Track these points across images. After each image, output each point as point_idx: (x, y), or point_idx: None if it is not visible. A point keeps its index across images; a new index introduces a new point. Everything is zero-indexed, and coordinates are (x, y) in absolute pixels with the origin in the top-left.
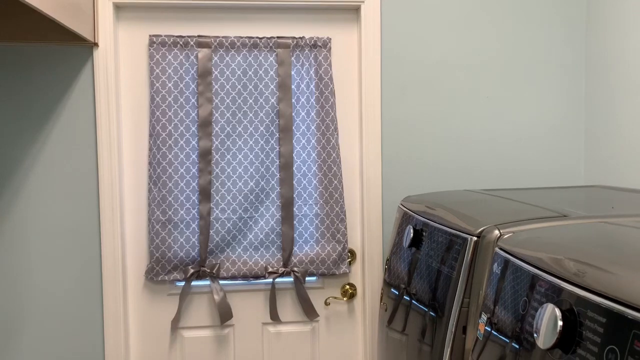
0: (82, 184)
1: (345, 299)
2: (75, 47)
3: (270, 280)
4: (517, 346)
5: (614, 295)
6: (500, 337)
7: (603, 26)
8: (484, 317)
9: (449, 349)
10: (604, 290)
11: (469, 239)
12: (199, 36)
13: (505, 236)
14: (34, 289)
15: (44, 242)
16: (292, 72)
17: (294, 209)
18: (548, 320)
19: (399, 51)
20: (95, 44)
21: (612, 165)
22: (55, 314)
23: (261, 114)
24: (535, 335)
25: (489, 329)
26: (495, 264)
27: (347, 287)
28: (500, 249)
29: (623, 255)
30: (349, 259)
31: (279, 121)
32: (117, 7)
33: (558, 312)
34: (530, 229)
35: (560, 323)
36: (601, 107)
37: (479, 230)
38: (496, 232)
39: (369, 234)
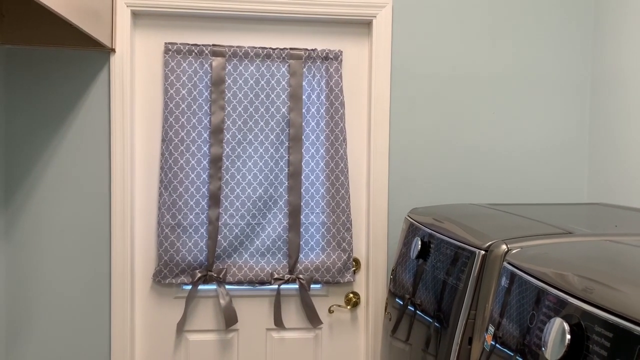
0: (94, 186)
1: (349, 307)
2: (93, 52)
3: (276, 286)
4: (523, 358)
5: (620, 312)
6: (507, 348)
7: (609, 46)
8: (491, 328)
9: None
10: (611, 306)
11: (477, 252)
12: (213, 45)
13: (513, 251)
14: (44, 287)
15: (55, 242)
16: (304, 83)
17: (301, 216)
18: (556, 334)
19: (409, 65)
20: (112, 50)
21: (615, 184)
22: (64, 313)
23: (272, 123)
24: (542, 348)
25: (495, 341)
26: (503, 277)
27: (351, 295)
28: (509, 263)
29: (628, 273)
30: (354, 268)
31: (289, 130)
32: (135, 15)
33: (566, 326)
34: (537, 244)
35: (568, 337)
36: (606, 125)
37: (487, 244)
38: (504, 246)
39: (374, 243)
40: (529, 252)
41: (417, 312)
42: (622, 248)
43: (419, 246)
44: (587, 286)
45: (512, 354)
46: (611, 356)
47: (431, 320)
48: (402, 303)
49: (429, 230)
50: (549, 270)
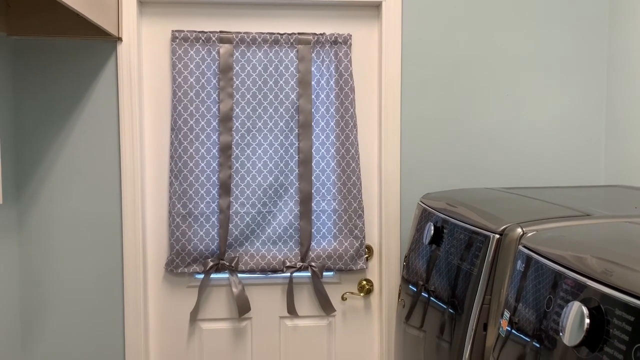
0: (104, 177)
1: (362, 294)
2: (100, 42)
3: (288, 274)
4: (539, 343)
5: None
6: (523, 334)
7: (625, 24)
8: (507, 314)
9: (469, 346)
10: (632, 289)
11: (492, 236)
12: (220, 32)
13: (529, 234)
14: (57, 279)
15: (66, 234)
16: (313, 69)
17: (312, 204)
18: (574, 318)
19: (420, 48)
20: (119, 39)
21: (632, 165)
22: (77, 304)
23: (281, 110)
24: (560, 333)
25: (511, 326)
26: (519, 261)
27: (364, 282)
28: (524, 246)
29: None
30: (366, 255)
31: (298, 117)
32: (141, 3)
33: (585, 309)
34: (554, 227)
35: (587, 321)
36: (622, 106)
37: (502, 228)
38: (519, 230)
39: (386, 230)
40: (545, 235)
41: (431, 298)
42: None
43: (432, 231)
44: (607, 268)
45: (529, 340)
46: (633, 340)
47: (445, 307)
48: (415, 290)
49: (442, 216)
50: (566, 253)
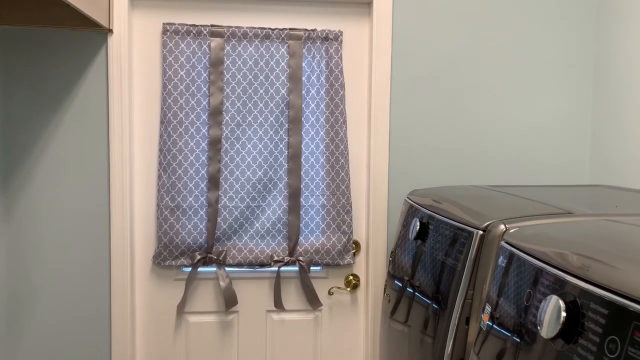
0: (93, 168)
1: (348, 289)
2: (91, 33)
3: (276, 268)
4: (519, 336)
5: (616, 289)
6: (503, 328)
7: (611, 27)
8: (488, 308)
9: (451, 340)
10: (607, 283)
11: (475, 232)
12: (212, 25)
13: (511, 231)
14: (44, 270)
15: (54, 224)
16: (303, 64)
17: (301, 199)
18: (552, 312)
19: (410, 46)
20: (110, 31)
21: (617, 165)
22: (64, 295)
23: (271, 105)
24: (538, 326)
25: (492, 321)
26: (501, 257)
27: (351, 277)
28: (506, 242)
29: (626, 251)
30: (354, 250)
31: (288, 112)
32: None
33: (562, 303)
34: (536, 224)
35: (563, 314)
36: (608, 107)
37: (485, 224)
38: (502, 226)
39: (374, 226)
40: (526, 231)
41: (416, 293)
42: (621, 227)
43: (418, 227)
44: (584, 264)
45: (509, 334)
46: (606, 333)
47: (429, 302)
48: (401, 285)
49: (428, 212)
50: (546, 249)
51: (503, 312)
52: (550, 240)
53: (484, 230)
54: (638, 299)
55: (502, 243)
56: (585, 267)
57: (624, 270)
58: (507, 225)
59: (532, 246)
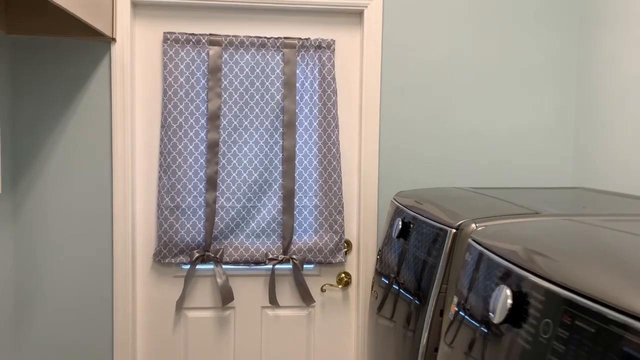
0: (97, 170)
1: (340, 286)
2: (94, 42)
3: (270, 266)
4: (478, 322)
5: (550, 278)
6: (468, 316)
7: (594, 34)
8: (455, 299)
9: (427, 332)
10: (546, 274)
11: (449, 231)
12: (210, 34)
13: (479, 229)
14: (49, 267)
15: (60, 224)
16: (297, 71)
17: (295, 200)
18: (502, 300)
19: (399, 54)
20: (113, 39)
21: (599, 169)
22: (68, 291)
23: (267, 110)
24: (491, 313)
25: (458, 310)
26: (468, 252)
27: (343, 275)
28: (473, 240)
29: (569, 246)
30: (345, 249)
31: (283, 117)
32: (134, 5)
33: (509, 292)
34: (502, 223)
35: (509, 302)
36: (591, 113)
37: (458, 223)
38: (473, 225)
39: (364, 226)
40: (491, 229)
41: (400, 290)
42: (578, 226)
43: (400, 226)
44: (531, 257)
45: (470, 320)
46: (542, 316)
47: (411, 298)
48: (387, 282)
49: (410, 212)
50: (503, 245)
51: (466, 303)
52: (509, 237)
53: (457, 229)
54: (567, 286)
55: (469, 240)
56: (532, 261)
57: (561, 262)
58: (477, 224)
59: (492, 242)
